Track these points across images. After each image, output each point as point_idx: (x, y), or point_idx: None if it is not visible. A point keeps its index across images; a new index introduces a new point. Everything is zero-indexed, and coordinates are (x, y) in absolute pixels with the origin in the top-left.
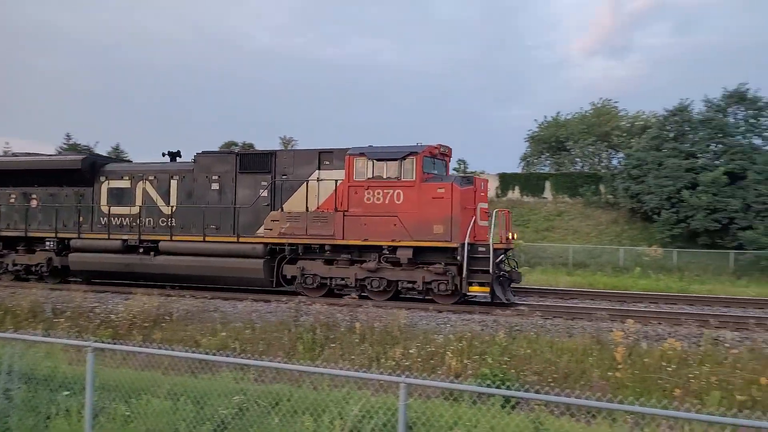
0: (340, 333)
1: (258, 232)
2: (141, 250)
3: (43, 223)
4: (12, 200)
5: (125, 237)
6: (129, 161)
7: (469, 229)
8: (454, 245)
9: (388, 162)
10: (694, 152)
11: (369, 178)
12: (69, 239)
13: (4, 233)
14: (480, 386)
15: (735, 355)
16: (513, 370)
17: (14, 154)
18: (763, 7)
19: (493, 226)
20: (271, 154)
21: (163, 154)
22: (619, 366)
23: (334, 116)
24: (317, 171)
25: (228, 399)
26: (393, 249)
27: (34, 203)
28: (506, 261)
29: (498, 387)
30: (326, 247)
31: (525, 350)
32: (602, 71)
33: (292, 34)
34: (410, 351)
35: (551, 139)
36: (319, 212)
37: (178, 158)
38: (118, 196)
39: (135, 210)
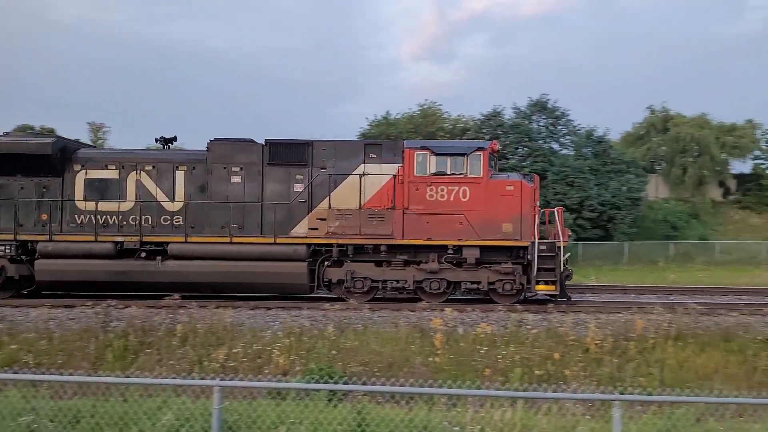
0: (157, 337)
1: (293, 231)
2: (143, 255)
3: None
4: None
5: (120, 238)
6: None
7: (536, 228)
8: (525, 244)
9: (453, 157)
10: (505, 154)
11: (432, 174)
12: (34, 242)
13: None
14: (303, 383)
15: (534, 335)
16: (340, 363)
17: None
18: (562, 28)
19: (556, 223)
20: (307, 144)
21: (157, 140)
22: (438, 351)
23: (157, 103)
24: (363, 165)
25: (14, 420)
26: (457, 249)
27: None
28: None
29: (326, 382)
30: (382, 248)
31: (352, 343)
32: (428, 75)
33: (105, 8)
34: (235, 351)
35: (381, 137)
36: (375, 210)
37: (170, 145)
38: (101, 189)
39: (126, 206)
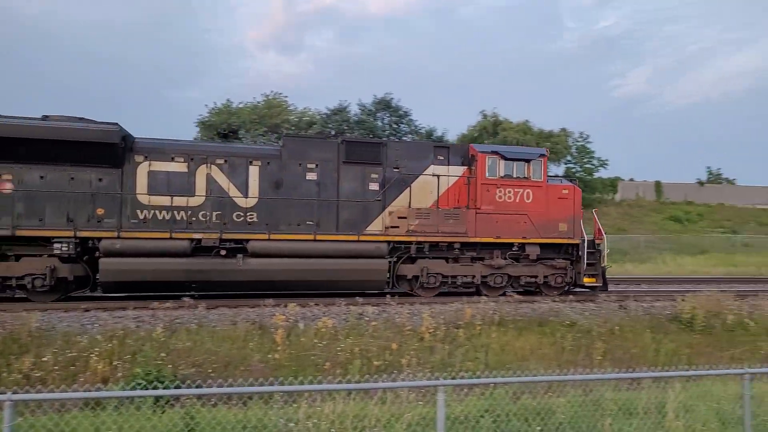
0: None
1: (368, 229)
2: (223, 253)
3: (28, 216)
4: None
5: (198, 236)
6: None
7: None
8: (577, 242)
9: (519, 162)
10: None
11: (500, 177)
12: (96, 239)
13: None
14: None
15: (374, 326)
16: (170, 366)
17: None
18: (407, 30)
19: (596, 223)
20: (381, 144)
21: (217, 133)
22: (279, 348)
23: None
24: (432, 166)
25: None
26: (520, 246)
27: (7, 186)
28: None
29: (154, 387)
30: (455, 245)
31: (185, 343)
32: (275, 65)
33: None
34: (44, 359)
35: (222, 126)
36: (451, 209)
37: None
38: (167, 183)
39: (196, 201)
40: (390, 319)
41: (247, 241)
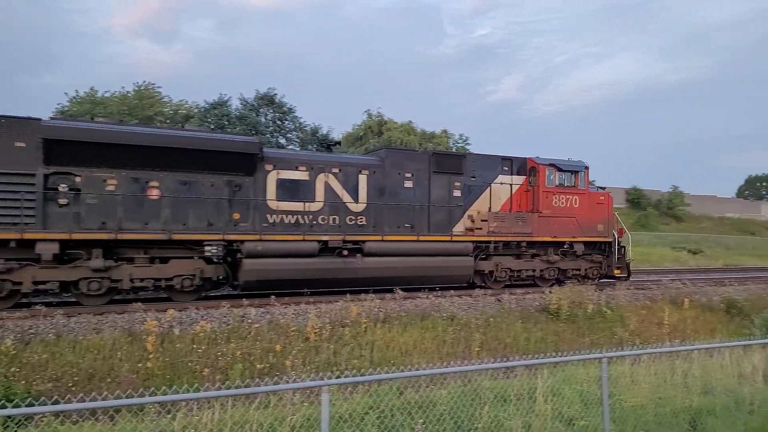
0: None
1: (453, 230)
2: (345, 252)
3: (174, 220)
4: (110, 187)
5: (326, 238)
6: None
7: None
8: (610, 239)
9: (570, 173)
10: None
11: (556, 186)
12: (239, 242)
13: (125, 235)
14: None
15: (257, 329)
16: (23, 382)
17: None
18: (289, 24)
19: (620, 223)
20: (462, 157)
21: (323, 145)
22: (151, 356)
23: None
24: (500, 175)
25: None
26: (569, 244)
27: (155, 192)
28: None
29: (3, 406)
30: (522, 244)
31: (40, 356)
32: (147, 54)
33: None
34: None
35: (86, 117)
36: (520, 213)
37: (332, 148)
38: (292, 190)
39: (316, 206)
40: (274, 320)
41: (364, 242)
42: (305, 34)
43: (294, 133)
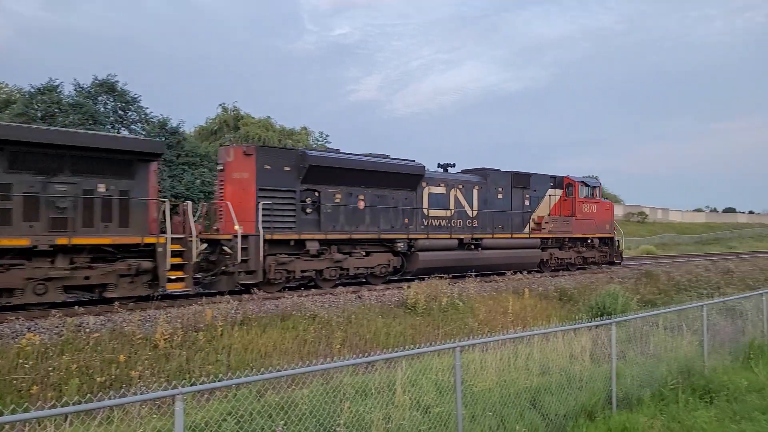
0: None
1: (524, 230)
2: (472, 246)
3: (371, 224)
4: (337, 200)
5: (461, 236)
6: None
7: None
8: (613, 236)
9: (591, 187)
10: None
11: (584, 197)
12: (416, 239)
13: (356, 235)
14: None
15: (96, 338)
16: None
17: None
18: (130, 4)
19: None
20: (529, 175)
21: (439, 165)
22: None
23: None
24: (549, 189)
25: None
26: (590, 239)
27: (361, 204)
28: None
29: None
30: (566, 240)
31: None
32: None
33: None
34: None
35: None
36: (564, 217)
37: (450, 168)
38: (436, 201)
39: (448, 213)
40: (117, 328)
41: (482, 239)
42: (152, 20)
43: (139, 124)
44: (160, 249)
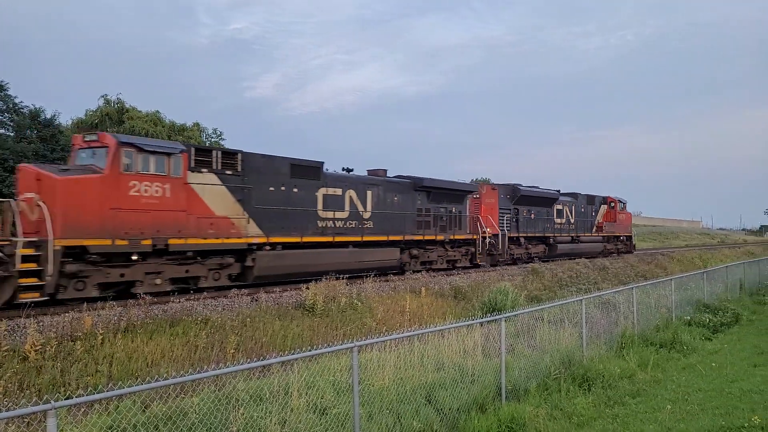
0: None
1: (593, 231)
2: (577, 241)
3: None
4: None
5: (572, 235)
6: None
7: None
8: (630, 234)
9: (622, 204)
10: None
11: (618, 210)
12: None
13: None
14: None
15: None
16: None
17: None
18: None
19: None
20: (594, 197)
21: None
22: None
23: None
24: (602, 205)
25: None
26: (621, 236)
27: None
28: None
29: None
30: (611, 237)
31: None
32: None
33: None
34: None
35: None
36: (611, 222)
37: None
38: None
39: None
40: None
41: (579, 237)
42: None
43: (6, 114)
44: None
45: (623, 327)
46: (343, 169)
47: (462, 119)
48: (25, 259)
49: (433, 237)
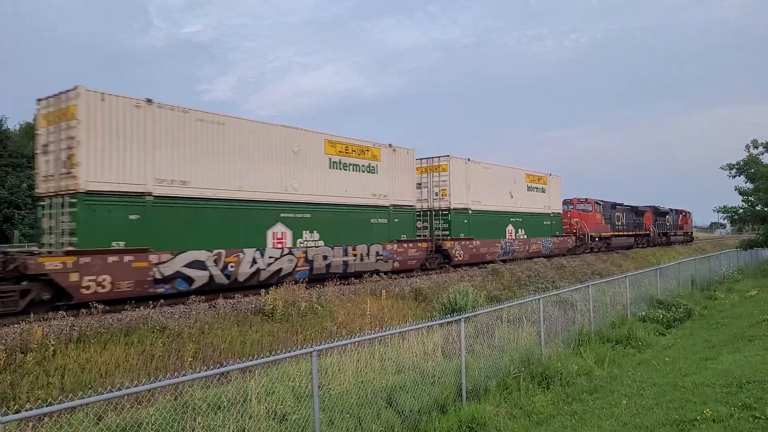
0: None
1: (679, 232)
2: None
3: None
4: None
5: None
6: None
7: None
8: (691, 231)
9: (687, 213)
10: None
11: (685, 216)
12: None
13: None
14: None
15: None
16: None
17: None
18: None
19: None
20: (669, 210)
21: None
22: None
23: None
24: (680, 215)
25: None
26: (690, 233)
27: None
28: None
29: None
30: (687, 233)
31: None
32: None
33: None
34: None
35: None
36: (687, 225)
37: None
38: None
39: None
40: None
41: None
42: None
43: None
44: None
45: (580, 324)
46: None
47: (421, 119)
48: None
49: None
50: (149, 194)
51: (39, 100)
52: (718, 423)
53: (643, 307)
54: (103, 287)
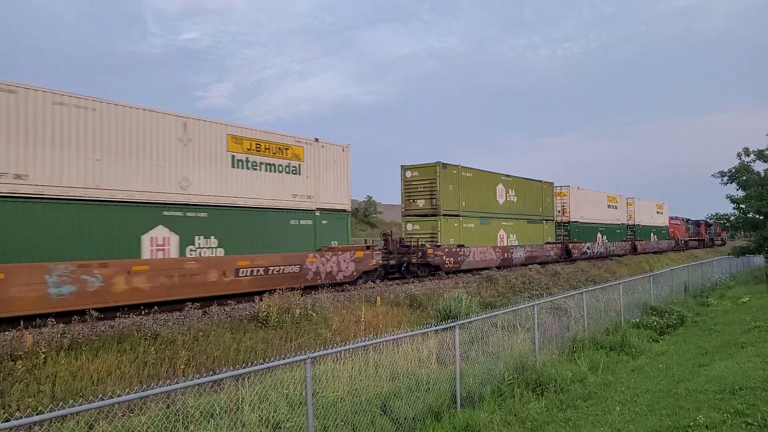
0: None
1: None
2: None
3: None
4: None
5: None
6: None
7: None
8: (722, 235)
9: (711, 223)
10: None
11: (708, 224)
12: None
13: None
14: None
15: None
16: None
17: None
18: None
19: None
20: (701, 221)
21: None
22: None
23: None
24: (707, 226)
25: None
26: (714, 238)
27: None
28: None
29: None
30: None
31: None
32: None
33: None
34: None
35: None
36: (715, 231)
37: None
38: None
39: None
40: None
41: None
42: None
43: None
44: None
45: (574, 331)
46: None
47: (416, 127)
48: None
49: None
50: None
51: None
52: (711, 429)
53: (636, 314)
54: None
